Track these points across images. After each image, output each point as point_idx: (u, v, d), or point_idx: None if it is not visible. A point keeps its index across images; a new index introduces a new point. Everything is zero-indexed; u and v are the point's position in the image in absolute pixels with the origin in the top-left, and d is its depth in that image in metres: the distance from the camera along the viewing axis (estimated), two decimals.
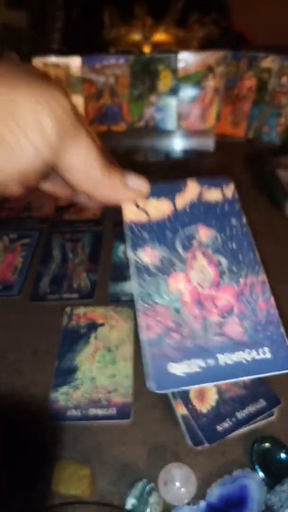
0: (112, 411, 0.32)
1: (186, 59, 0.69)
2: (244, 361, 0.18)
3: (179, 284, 0.21)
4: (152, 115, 0.72)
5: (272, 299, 0.21)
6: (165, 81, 0.70)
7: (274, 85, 0.68)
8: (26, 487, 0.28)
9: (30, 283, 0.44)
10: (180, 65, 0.69)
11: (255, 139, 0.71)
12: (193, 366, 0.18)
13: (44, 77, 0.21)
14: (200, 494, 0.28)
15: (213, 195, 0.24)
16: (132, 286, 0.20)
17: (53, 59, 0.70)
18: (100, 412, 0.32)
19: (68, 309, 0.41)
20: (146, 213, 0.22)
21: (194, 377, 0.18)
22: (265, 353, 0.19)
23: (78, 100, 0.71)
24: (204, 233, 0.22)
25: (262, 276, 0.22)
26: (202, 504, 0.27)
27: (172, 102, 0.71)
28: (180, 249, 0.22)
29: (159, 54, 0.70)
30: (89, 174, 0.21)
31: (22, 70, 0.21)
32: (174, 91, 0.70)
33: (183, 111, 0.72)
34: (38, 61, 0.70)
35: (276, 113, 0.69)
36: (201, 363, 0.18)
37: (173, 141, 0.70)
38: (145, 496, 0.27)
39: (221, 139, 0.72)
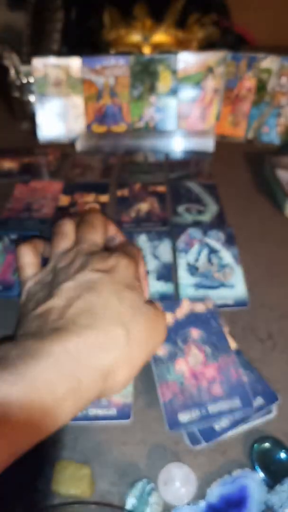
0: (112, 411, 0.32)
1: (186, 59, 0.69)
2: (225, 408, 0.31)
3: (181, 367, 0.33)
4: (152, 116, 0.72)
5: (240, 370, 0.32)
6: (165, 82, 0.70)
7: (273, 85, 0.68)
8: (26, 487, 0.29)
9: None
10: (180, 65, 0.69)
11: (255, 139, 0.71)
12: (193, 414, 0.30)
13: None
14: (200, 494, 0.28)
15: (199, 307, 0.37)
16: (153, 369, 0.33)
17: (53, 60, 0.70)
18: (100, 412, 0.32)
19: None
20: None
21: (194, 421, 0.30)
22: (236, 403, 0.31)
23: (78, 101, 0.72)
24: (195, 333, 0.35)
25: (232, 357, 0.33)
26: (202, 504, 0.27)
27: (172, 103, 0.71)
28: (180, 344, 0.34)
29: (159, 55, 0.71)
30: None
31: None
32: (174, 92, 0.71)
33: (183, 111, 0.72)
34: (38, 62, 0.70)
35: (276, 113, 0.69)
36: (197, 412, 0.30)
37: (173, 142, 0.70)
38: (145, 496, 0.27)
39: (221, 139, 0.72)
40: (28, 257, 0.34)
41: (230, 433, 0.30)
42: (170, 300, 0.37)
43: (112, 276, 0.29)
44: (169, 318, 0.35)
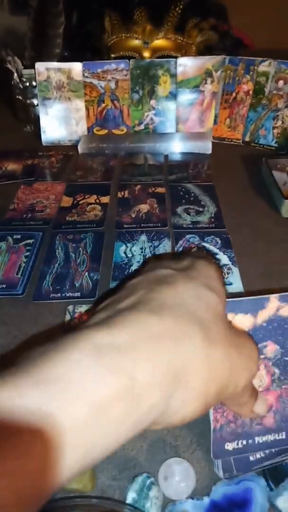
0: None
1: (185, 63, 0.70)
2: (269, 440, 0.27)
3: None
4: (151, 119, 0.73)
5: None
6: (164, 86, 0.71)
7: (271, 88, 0.70)
8: None
9: (33, 283, 0.46)
10: (179, 69, 0.71)
11: (252, 142, 0.72)
12: (239, 444, 0.27)
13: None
14: (199, 489, 0.28)
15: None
16: None
17: (55, 64, 0.71)
18: None
19: (70, 308, 0.42)
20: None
21: (239, 450, 0.27)
22: (282, 437, 0.28)
23: (80, 104, 0.73)
24: (270, 349, 0.27)
25: None
26: (206, 500, 0.27)
27: (171, 106, 0.72)
28: None
29: (158, 59, 0.72)
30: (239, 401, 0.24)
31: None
32: (173, 95, 0.72)
33: (182, 114, 0.73)
34: (40, 66, 0.71)
35: (273, 116, 0.70)
36: (244, 442, 0.27)
37: (172, 144, 0.71)
38: (145, 490, 0.27)
39: (219, 142, 0.73)
40: None
41: (264, 464, 0.28)
42: (253, 297, 0.26)
43: (187, 274, 0.23)
44: (247, 322, 0.26)
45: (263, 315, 0.26)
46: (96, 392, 0.16)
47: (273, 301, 0.26)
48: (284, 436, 0.28)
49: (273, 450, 0.28)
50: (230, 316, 0.25)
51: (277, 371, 0.27)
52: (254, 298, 0.26)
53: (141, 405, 0.17)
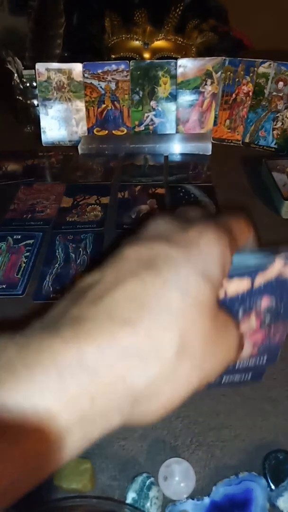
0: None
1: (185, 65, 0.71)
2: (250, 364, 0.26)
3: None
4: (152, 120, 0.74)
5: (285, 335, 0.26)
6: (164, 87, 0.72)
7: (270, 90, 0.70)
8: None
9: (33, 283, 0.46)
10: (179, 71, 0.71)
11: (252, 143, 0.73)
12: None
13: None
14: (199, 489, 0.28)
15: None
16: None
17: (55, 64, 0.72)
18: None
19: None
20: (225, 292, 0.23)
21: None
22: (263, 361, 0.26)
23: (80, 105, 0.73)
24: (265, 302, 0.24)
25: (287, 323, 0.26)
26: (206, 500, 0.27)
27: (171, 107, 0.73)
28: (240, 314, 0.24)
29: (158, 60, 0.72)
30: None
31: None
32: (173, 96, 0.72)
33: (182, 116, 0.73)
34: (41, 66, 0.71)
35: (273, 118, 0.70)
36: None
37: (172, 145, 0.71)
38: (145, 490, 0.28)
39: (218, 143, 0.73)
40: None
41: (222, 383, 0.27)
42: (255, 256, 0.23)
43: (187, 253, 0.20)
44: (244, 285, 0.23)
45: (263, 278, 0.23)
46: (59, 415, 0.16)
47: (279, 263, 0.22)
48: (264, 361, 0.26)
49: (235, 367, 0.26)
50: (224, 284, 0.22)
51: (268, 317, 0.25)
52: (256, 261, 0.22)
53: (98, 426, 0.17)
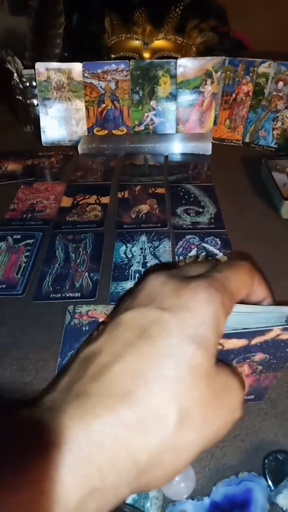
0: None
1: (185, 64, 0.71)
2: None
3: None
4: (151, 119, 0.74)
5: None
6: (164, 86, 0.72)
7: (270, 90, 0.70)
8: None
9: (33, 283, 0.46)
10: (179, 70, 0.71)
11: (252, 143, 0.73)
12: None
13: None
14: (199, 489, 0.28)
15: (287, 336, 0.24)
16: None
17: (55, 64, 0.72)
18: None
19: (70, 308, 0.42)
20: (222, 346, 0.23)
21: None
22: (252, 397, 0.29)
23: (80, 105, 0.73)
24: (259, 357, 0.25)
25: (278, 374, 0.27)
26: (206, 500, 0.27)
27: (171, 107, 0.73)
28: (234, 363, 0.25)
29: (158, 60, 0.72)
30: None
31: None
32: (173, 96, 0.72)
33: (182, 115, 0.73)
34: (40, 66, 0.71)
35: (273, 118, 0.70)
36: None
37: (172, 145, 0.71)
38: None
39: (218, 143, 0.73)
40: None
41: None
42: (252, 330, 0.24)
43: (179, 319, 0.20)
44: (241, 343, 0.24)
45: (260, 339, 0.24)
46: (69, 495, 0.16)
47: (275, 331, 0.23)
48: (251, 399, 0.29)
49: None
50: (222, 340, 0.23)
51: (260, 368, 0.26)
52: (252, 331, 0.23)
53: (109, 500, 0.18)
